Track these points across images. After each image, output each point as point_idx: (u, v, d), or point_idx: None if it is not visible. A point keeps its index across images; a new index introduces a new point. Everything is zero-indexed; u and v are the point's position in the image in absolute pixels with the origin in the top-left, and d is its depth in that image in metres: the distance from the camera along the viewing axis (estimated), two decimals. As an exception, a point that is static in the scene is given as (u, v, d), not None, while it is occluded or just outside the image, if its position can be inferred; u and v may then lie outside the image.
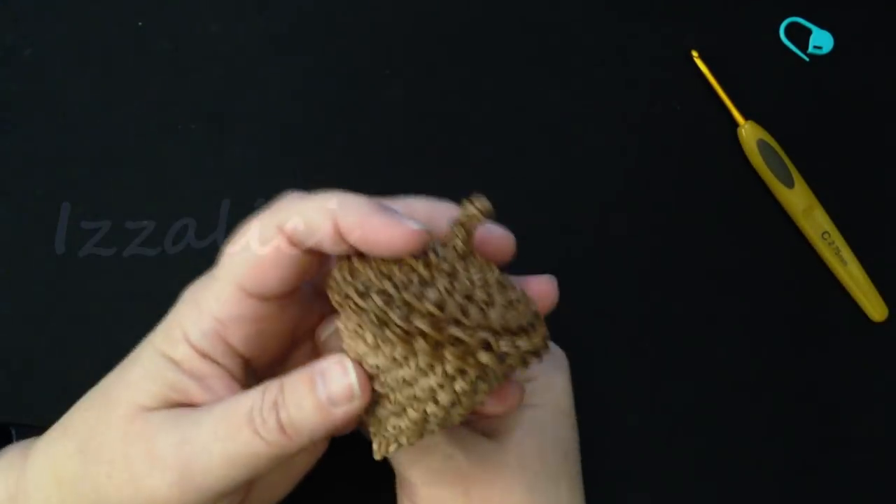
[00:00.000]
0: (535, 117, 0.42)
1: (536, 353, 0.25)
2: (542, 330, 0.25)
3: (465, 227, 0.25)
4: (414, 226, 0.24)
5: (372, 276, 0.24)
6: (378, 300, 0.23)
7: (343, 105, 0.41)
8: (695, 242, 0.42)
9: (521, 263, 0.38)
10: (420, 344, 0.23)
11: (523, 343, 0.24)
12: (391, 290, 0.23)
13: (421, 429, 0.25)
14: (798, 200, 0.42)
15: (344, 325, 0.26)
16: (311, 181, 0.40)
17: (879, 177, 0.44)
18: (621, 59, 0.44)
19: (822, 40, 0.45)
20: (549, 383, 0.32)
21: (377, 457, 0.26)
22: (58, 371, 0.36)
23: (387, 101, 0.41)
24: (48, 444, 0.29)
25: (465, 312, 0.23)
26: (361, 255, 0.25)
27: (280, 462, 0.25)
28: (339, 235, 0.25)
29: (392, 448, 0.25)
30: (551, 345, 0.31)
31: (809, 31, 0.45)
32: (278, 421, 0.25)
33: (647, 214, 0.42)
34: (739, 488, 0.40)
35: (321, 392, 0.25)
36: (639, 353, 0.40)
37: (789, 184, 0.42)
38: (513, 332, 0.24)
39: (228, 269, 0.27)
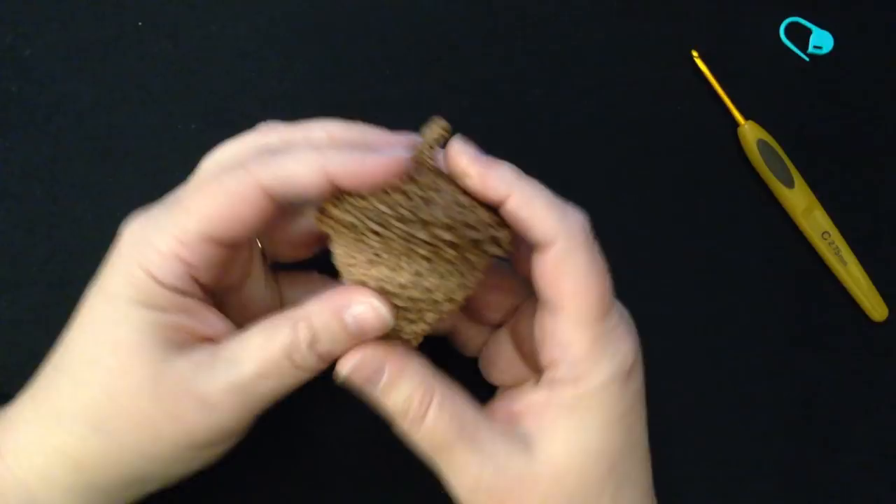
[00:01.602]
0: (534, 117, 0.42)
1: (510, 241, 0.29)
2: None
3: (433, 147, 0.29)
4: (399, 153, 0.27)
5: (379, 205, 0.27)
6: (401, 226, 0.27)
7: (343, 105, 0.41)
8: (695, 242, 0.42)
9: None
10: (447, 252, 0.27)
11: (505, 233, 0.29)
12: (407, 213, 0.27)
13: (433, 326, 0.29)
14: (798, 200, 0.42)
15: (353, 257, 0.28)
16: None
17: (879, 177, 0.44)
18: (621, 59, 0.44)
19: (822, 40, 0.45)
20: (605, 387, 0.29)
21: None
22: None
23: (387, 101, 0.41)
24: (41, 436, 0.28)
25: (465, 217, 0.27)
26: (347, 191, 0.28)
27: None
28: (325, 185, 0.27)
29: (413, 341, 0.30)
30: (615, 343, 0.29)
31: (809, 31, 0.45)
32: (318, 356, 0.28)
33: (647, 214, 0.42)
34: (739, 488, 0.40)
35: (353, 327, 0.28)
36: (639, 353, 0.40)
37: (789, 184, 0.42)
38: (500, 224, 0.29)
39: (196, 214, 0.28)
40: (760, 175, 0.43)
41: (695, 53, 0.43)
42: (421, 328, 0.29)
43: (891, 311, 0.42)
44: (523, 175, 0.29)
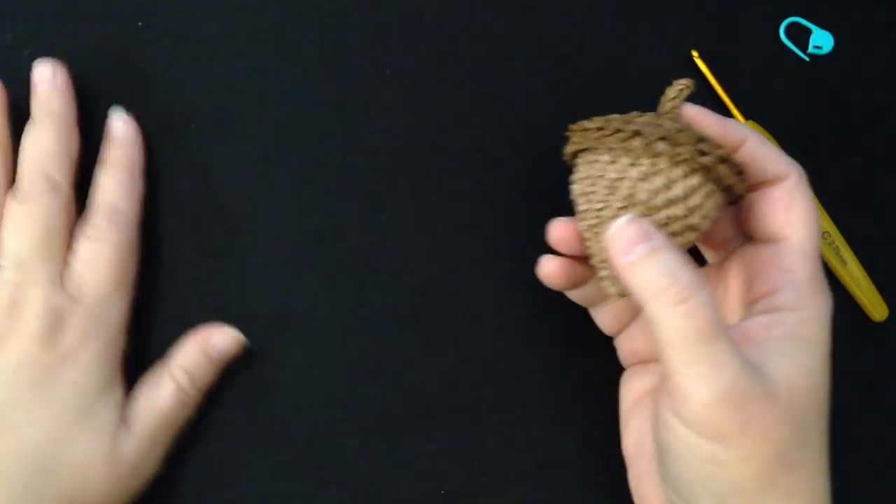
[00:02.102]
0: (535, 117, 0.42)
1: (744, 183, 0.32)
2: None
3: (676, 99, 0.32)
4: None
5: (660, 120, 0.31)
6: (686, 136, 0.29)
7: (343, 105, 0.41)
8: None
9: (522, 265, 0.38)
10: (720, 169, 0.30)
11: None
12: (683, 126, 0.30)
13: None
14: (798, 200, 0.42)
15: (624, 173, 0.30)
16: (311, 181, 0.40)
17: (879, 177, 0.44)
18: (621, 59, 0.44)
19: (822, 40, 0.45)
20: (821, 319, 0.30)
21: (620, 297, 0.31)
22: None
23: (387, 101, 0.41)
24: None
25: (719, 146, 0.30)
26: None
27: None
28: None
29: None
30: (825, 285, 0.31)
31: (809, 31, 0.45)
32: (198, 389, 0.36)
33: (647, 214, 0.42)
34: (739, 488, 0.40)
35: (217, 356, 0.37)
36: (639, 353, 0.40)
37: (789, 184, 0.42)
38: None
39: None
40: (760, 175, 0.43)
41: (695, 53, 0.43)
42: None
43: (891, 311, 0.42)
44: None
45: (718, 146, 0.30)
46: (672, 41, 0.44)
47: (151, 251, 0.38)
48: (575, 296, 0.37)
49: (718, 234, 0.35)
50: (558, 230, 0.34)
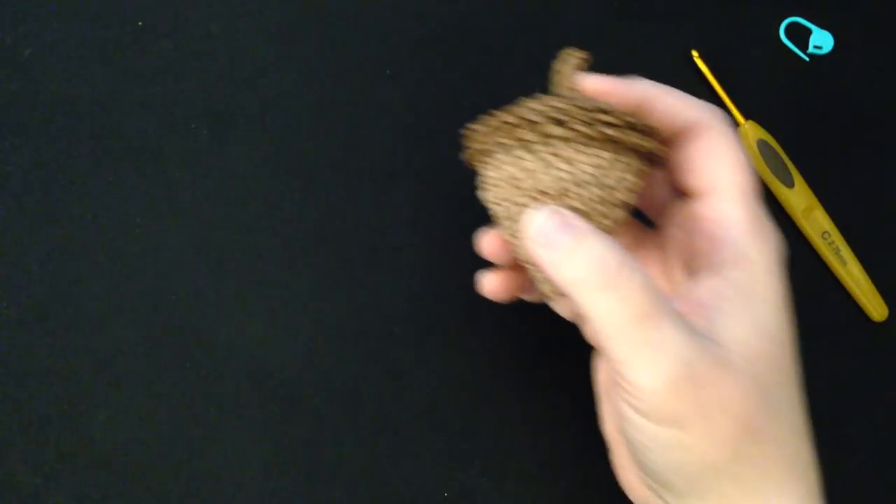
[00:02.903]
0: (535, 117, 0.42)
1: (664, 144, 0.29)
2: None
3: (572, 74, 0.30)
4: None
5: (551, 101, 0.27)
6: (582, 111, 0.27)
7: (343, 105, 0.41)
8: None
9: (522, 263, 0.38)
10: (627, 135, 0.27)
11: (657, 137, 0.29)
12: (581, 102, 0.27)
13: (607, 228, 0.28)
14: (798, 200, 0.42)
15: (525, 170, 0.27)
16: (311, 180, 0.40)
17: (879, 177, 0.44)
18: (621, 59, 0.44)
19: (822, 40, 0.45)
20: (768, 267, 0.28)
21: None
22: (53, 375, 0.36)
23: (387, 101, 0.41)
24: None
25: (622, 112, 0.27)
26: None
27: None
28: None
29: None
30: (769, 226, 0.29)
31: (809, 31, 0.45)
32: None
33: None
34: (739, 488, 0.40)
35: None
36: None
37: (789, 184, 0.42)
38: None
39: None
40: (760, 175, 0.43)
41: (695, 53, 0.43)
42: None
43: (891, 311, 0.42)
44: None
45: (623, 113, 0.27)
46: (672, 41, 0.44)
47: (153, 250, 0.38)
48: (528, 298, 0.34)
49: (654, 199, 0.33)
50: (486, 243, 0.32)
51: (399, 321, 0.39)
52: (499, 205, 0.29)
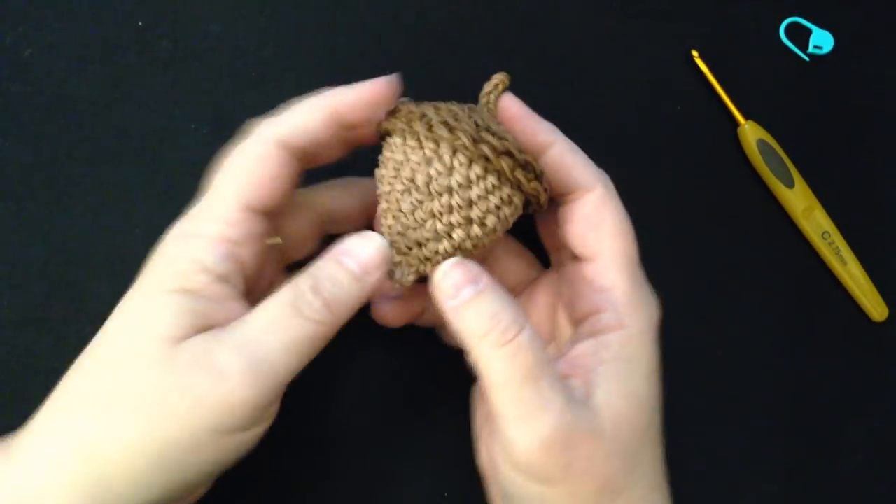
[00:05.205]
0: (535, 117, 0.42)
1: (545, 190, 0.30)
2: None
3: (492, 92, 0.31)
4: (390, 77, 0.30)
5: (452, 106, 0.29)
6: (471, 123, 0.28)
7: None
8: (694, 242, 0.42)
9: (522, 263, 0.38)
10: (503, 161, 0.28)
11: (548, 188, 0.30)
12: (478, 118, 0.29)
13: (454, 254, 0.29)
14: (798, 200, 0.42)
15: (408, 157, 0.29)
16: (311, 180, 0.40)
17: (879, 177, 0.44)
18: (621, 59, 0.44)
19: (822, 40, 0.45)
20: (642, 335, 0.30)
21: (398, 282, 0.30)
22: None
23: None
24: (48, 431, 0.27)
25: (518, 144, 0.29)
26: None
27: (327, 341, 0.28)
28: (335, 123, 0.29)
29: (420, 269, 0.29)
30: (647, 294, 0.31)
31: (809, 31, 0.45)
32: (324, 300, 0.27)
33: (646, 214, 0.42)
34: (739, 488, 0.40)
35: (352, 264, 0.28)
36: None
37: (789, 184, 0.42)
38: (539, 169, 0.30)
39: (228, 189, 0.29)
40: (760, 175, 0.43)
41: (695, 53, 0.43)
42: (444, 247, 0.29)
43: (891, 311, 0.42)
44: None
45: (511, 144, 0.28)
46: (672, 41, 0.44)
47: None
48: (418, 322, 0.36)
49: (555, 239, 0.34)
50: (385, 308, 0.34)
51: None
52: (381, 182, 0.30)
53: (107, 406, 0.26)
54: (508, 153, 0.28)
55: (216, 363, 0.26)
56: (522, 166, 0.29)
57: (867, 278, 0.42)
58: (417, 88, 0.42)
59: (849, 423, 0.41)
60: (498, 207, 0.29)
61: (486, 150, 0.28)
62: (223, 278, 0.28)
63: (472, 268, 0.28)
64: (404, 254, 0.30)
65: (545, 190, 0.30)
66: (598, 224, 0.30)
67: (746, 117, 0.43)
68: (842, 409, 0.41)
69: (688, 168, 0.43)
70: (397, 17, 0.42)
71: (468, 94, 0.42)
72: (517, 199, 0.30)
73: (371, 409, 0.39)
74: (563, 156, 0.30)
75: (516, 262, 0.36)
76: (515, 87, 0.43)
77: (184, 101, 0.40)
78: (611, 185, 0.31)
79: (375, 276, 0.28)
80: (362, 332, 0.37)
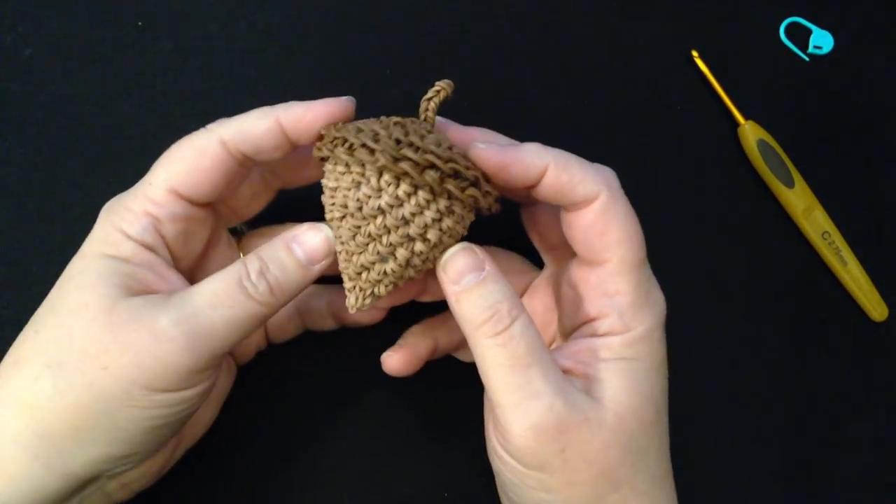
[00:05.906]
0: (534, 117, 0.42)
1: (497, 202, 0.30)
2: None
3: (431, 100, 0.30)
4: (345, 99, 0.31)
5: (376, 126, 0.28)
6: (392, 143, 0.27)
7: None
8: (694, 242, 0.42)
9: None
10: (429, 175, 0.27)
11: (492, 189, 0.29)
12: (400, 135, 0.28)
13: (403, 271, 0.29)
14: (798, 200, 0.42)
15: (338, 181, 0.29)
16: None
17: (879, 177, 0.44)
18: (621, 59, 0.44)
19: (822, 40, 0.45)
20: (648, 334, 0.30)
21: (354, 308, 0.30)
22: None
23: (387, 101, 0.41)
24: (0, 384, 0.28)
25: (454, 155, 0.28)
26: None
27: (266, 321, 0.30)
28: (279, 134, 0.30)
29: (375, 291, 0.29)
30: (653, 292, 0.31)
31: (809, 31, 0.45)
32: (268, 284, 0.29)
33: (646, 214, 0.42)
34: (739, 488, 0.40)
35: (300, 252, 0.29)
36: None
37: (789, 184, 0.42)
38: (485, 179, 0.29)
39: (161, 173, 0.30)
40: (760, 175, 0.43)
41: (695, 53, 0.43)
42: (391, 267, 0.29)
43: (891, 311, 0.42)
44: (549, 147, 0.30)
45: (448, 159, 0.28)
46: (672, 41, 0.44)
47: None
48: (435, 357, 0.36)
49: (553, 239, 0.34)
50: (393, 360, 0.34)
51: (400, 321, 0.39)
52: (326, 209, 0.30)
53: (50, 360, 0.27)
54: (432, 166, 0.28)
55: (156, 325, 0.27)
56: (452, 176, 0.28)
57: (867, 278, 0.42)
58: (417, 89, 0.42)
59: (849, 423, 0.41)
60: (436, 220, 0.28)
61: (406, 167, 0.27)
62: (150, 248, 0.30)
63: (478, 253, 0.29)
64: (354, 280, 0.30)
65: (486, 193, 0.29)
66: (603, 232, 0.30)
67: (746, 117, 0.43)
68: (842, 409, 0.41)
69: (688, 168, 0.43)
70: (397, 18, 0.42)
71: (468, 94, 0.42)
72: (458, 208, 0.29)
73: (371, 409, 0.39)
74: (558, 176, 0.29)
75: (511, 264, 0.36)
76: (515, 87, 0.43)
77: (183, 101, 0.40)
78: (615, 185, 0.30)
79: (320, 266, 0.30)
80: (362, 332, 0.37)
